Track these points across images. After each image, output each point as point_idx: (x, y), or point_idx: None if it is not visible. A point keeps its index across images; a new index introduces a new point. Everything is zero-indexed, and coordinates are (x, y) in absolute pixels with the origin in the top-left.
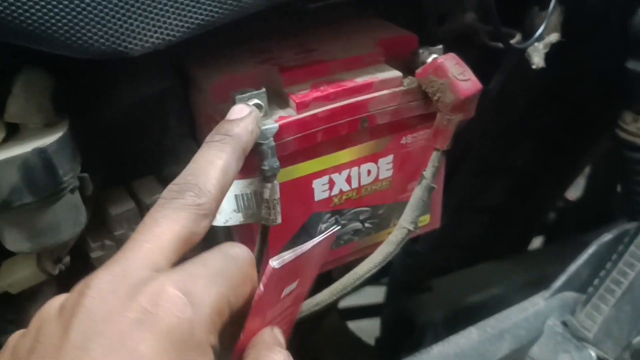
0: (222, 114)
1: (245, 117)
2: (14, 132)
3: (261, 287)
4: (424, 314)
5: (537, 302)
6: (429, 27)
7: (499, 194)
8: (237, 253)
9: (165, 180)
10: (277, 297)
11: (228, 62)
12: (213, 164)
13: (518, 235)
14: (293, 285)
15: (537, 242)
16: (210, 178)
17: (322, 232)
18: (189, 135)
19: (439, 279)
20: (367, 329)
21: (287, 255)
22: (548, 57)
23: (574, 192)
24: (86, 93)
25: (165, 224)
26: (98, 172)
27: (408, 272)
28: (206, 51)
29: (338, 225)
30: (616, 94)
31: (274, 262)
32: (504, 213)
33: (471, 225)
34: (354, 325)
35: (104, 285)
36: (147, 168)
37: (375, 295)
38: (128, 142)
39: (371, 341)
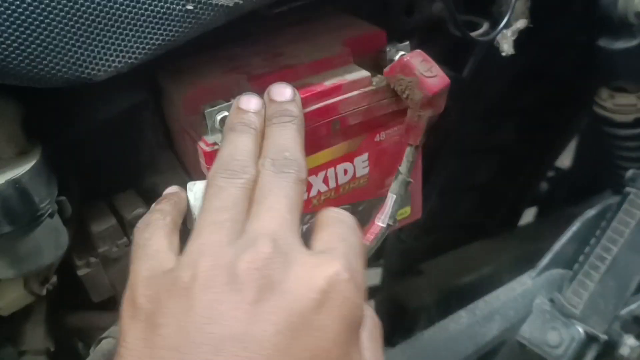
0: (194, 126)
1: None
2: None
3: (367, 243)
4: (416, 299)
5: (525, 282)
6: (396, 19)
7: (486, 173)
8: (354, 222)
9: (146, 191)
10: None
11: (197, 73)
12: (297, 142)
13: (508, 211)
14: None
15: (530, 213)
16: (302, 155)
17: (304, 234)
18: (166, 145)
19: (429, 262)
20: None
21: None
22: (518, 41)
23: (567, 159)
24: (57, 114)
25: (294, 200)
26: (76, 191)
27: (401, 258)
28: (175, 61)
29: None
30: (591, 70)
31: (381, 222)
32: (492, 191)
33: (461, 205)
34: None
35: (279, 261)
36: (127, 181)
37: (370, 278)
38: (105, 157)
39: None
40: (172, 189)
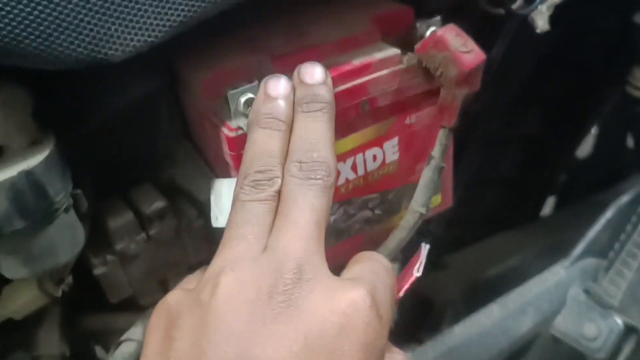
0: (215, 111)
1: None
2: None
3: (401, 294)
4: (442, 293)
5: (558, 272)
6: None
7: (511, 164)
8: (390, 266)
9: (163, 184)
10: None
11: (216, 55)
12: (327, 137)
13: (532, 202)
14: None
15: (549, 203)
16: (331, 154)
17: (332, 225)
18: (183, 135)
19: (453, 256)
20: None
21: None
22: (551, 18)
23: (582, 150)
24: (69, 102)
25: (319, 212)
26: (91, 184)
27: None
28: (192, 45)
29: (427, 244)
30: (622, 51)
31: (416, 272)
32: (516, 183)
33: (485, 197)
34: None
35: (299, 284)
36: (143, 174)
37: None
38: (120, 149)
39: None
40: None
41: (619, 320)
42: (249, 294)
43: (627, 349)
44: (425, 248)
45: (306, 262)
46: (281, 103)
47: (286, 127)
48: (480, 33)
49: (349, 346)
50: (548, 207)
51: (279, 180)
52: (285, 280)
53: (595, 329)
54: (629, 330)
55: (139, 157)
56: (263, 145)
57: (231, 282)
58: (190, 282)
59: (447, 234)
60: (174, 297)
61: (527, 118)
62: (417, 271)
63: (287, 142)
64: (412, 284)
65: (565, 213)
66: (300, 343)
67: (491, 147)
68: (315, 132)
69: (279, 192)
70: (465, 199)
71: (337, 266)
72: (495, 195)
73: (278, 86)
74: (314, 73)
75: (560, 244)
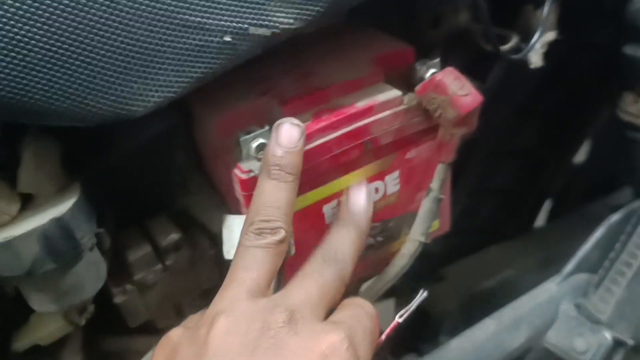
0: (228, 149)
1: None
2: (28, 201)
3: (383, 337)
4: (439, 305)
5: (550, 288)
6: (423, 31)
7: (507, 176)
8: (373, 312)
9: (177, 214)
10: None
11: (228, 96)
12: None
13: (529, 211)
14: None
15: (544, 208)
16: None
17: None
18: (197, 168)
19: (450, 268)
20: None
21: (406, 312)
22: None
23: (580, 155)
24: (91, 145)
25: (326, 288)
26: (111, 218)
27: (421, 261)
28: (205, 84)
29: (425, 292)
30: (614, 71)
31: (399, 317)
32: (512, 194)
33: (483, 208)
34: None
35: (287, 326)
36: (159, 205)
37: None
38: (137, 182)
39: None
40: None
41: (607, 335)
42: (241, 330)
43: None
44: (421, 296)
45: (298, 311)
46: (291, 155)
47: (294, 178)
48: (478, 62)
49: None
50: (544, 211)
51: (283, 231)
52: (276, 321)
53: (585, 343)
54: (617, 344)
55: (155, 188)
56: (270, 196)
57: (226, 320)
58: (191, 321)
59: (443, 245)
60: (176, 333)
61: (522, 131)
62: (400, 317)
63: (295, 193)
64: (393, 329)
65: (559, 225)
66: None
67: (487, 160)
68: (273, 196)
69: (281, 241)
70: (462, 210)
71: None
72: (491, 207)
73: (291, 136)
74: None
75: (554, 257)
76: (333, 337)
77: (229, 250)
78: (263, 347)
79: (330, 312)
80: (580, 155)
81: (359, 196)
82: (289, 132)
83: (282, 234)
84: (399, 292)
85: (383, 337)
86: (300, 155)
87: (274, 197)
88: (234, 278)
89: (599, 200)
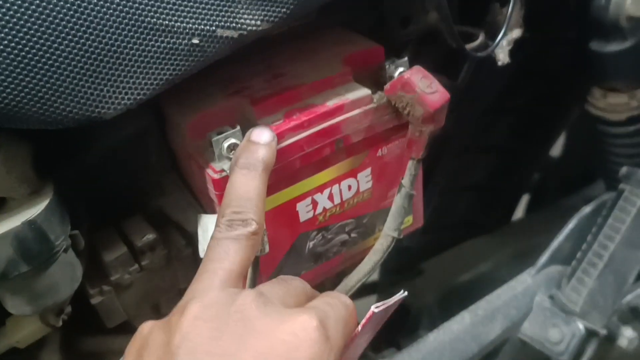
0: (200, 150)
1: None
2: (0, 204)
3: (359, 328)
4: (418, 299)
5: (525, 280)
6: (392, 32)
7: (482, 172)
8: (350, 303)
9: (152, 214)
10: (362, 340)
11: (200, 97)
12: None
13: (505, 206)
14: (368, 336)
15: (522, 201)
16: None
17: (311, 250)
18: (171, 168)
19: (428, 262)
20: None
21: (387, 303)
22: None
23: (556, 149)
24: (64, 147)
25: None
26: (85, 219)
27: (398, 256)
28: (177, 86)
29: (404, 292)
30: (583, 66)
31: (375, 307)
32: (489, 189)
33: (458, 205)
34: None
35: (257, 310)
36: (134, 206)
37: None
38: (111, 184)
39: None
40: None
41: (580, 325)
42: (210, 313)
43: (589, 351)
44: (400, 296)
45: (268, 291)
46: (262, 149)
47: (264, 167)
48: (448, 59)
49: (298, 356)
50: (521, 205)
51: (254, 223)
52: (244, 302)
53: (559, 334)
54: (590, 334)
55: (130, 189)
56: (241, 188)
57: (196, 307)
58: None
59: (421, 240)
60: (147, 325)
61: (496, 127)
62: (376, 307)
63: (265, 185)
64: (370, 319)
65: (534, 219)
66: (252, 358)
67: (463, 156)
68: (243, 188)
69: (253, 233)
70: (439, 206)
71: (316, 287)
72: (468, 202)
73: (261, 135)
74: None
75: (530, 250)
76: (303, 317)
77: (204, 249)
78: (231, 329)
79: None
80: (556, 150)
81: (261, 131)
82: (260, 131)
83: (253, 225)
84: (380, 289)
85: (359, 327)
86: (270, 150)
87: (244, 188)
88: (206, 269)
89: (574, 194)
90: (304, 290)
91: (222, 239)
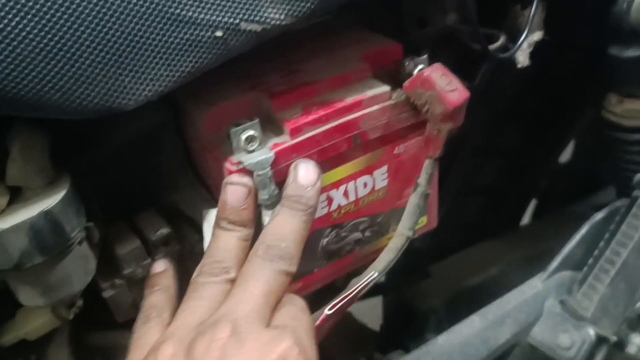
0: (217, 144)
1: (316, 184)
2: (16, 194)
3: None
4: (425, 301)
5: (535, 285)
6: (410, 32)
7: (492, 175)
8: (304, 305)
9: (166, 210)
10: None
11: (217, 91)
12: (299, 234)
13: (514, 210)
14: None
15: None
16: (298, 248)
17: (324, 247)
18: (186, 163)
19: (436, 264)
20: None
21: (337, 302)
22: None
23: (564, 155)
24: (80, 137)
25: (270, 287)
26: (100, 212)
27: (407, 259)
28: (194, 80)
29: (375, 272)
30: (597, 72)
31: (328, 310)
32: (498, 193)
33: (468, 207)
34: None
35: (233, 338)
36: (148, 200)
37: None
38: (126, 178)
39: (375, 325)
40: (159, 267)
41: (591, 331)
42: (183, 350)
43: (599, 357)
44: (352, 288)
45: (243, 321)
46: (242, 212)
47: (245, 228)
48: (465, 61)
49: None
50: (529, 210)
51: (233, 272)
52: (220, 337)
53: (569, 339)
54: (600, 340)
55: (144, 184)
56: (223, 242)
57: (171, 345)
58: None
59: (430, 243)
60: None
61: (508, 130)
62: (329, 309)
63: (246, 240)
64: (324, 320)
65: (544, 223)
66: None
67: (474, 159)
68: (291, 228)
69: (231, 281)
70: (448, 208)
71: (328, 286)
72: (477, 205)
73: (235, 196)
74: (302, 175)
75: (539, 255)
76: (282, 346)
77: (208, 241)
78: None
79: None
80: (565, 155)
81: (308, 170)
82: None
83: (232, 274)
84: (386, 290)
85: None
86: (250, 208)
87: (226, 242)
88: (186, 307)
89: (583, 200)
90: (274, 288)
91: (202, 282)
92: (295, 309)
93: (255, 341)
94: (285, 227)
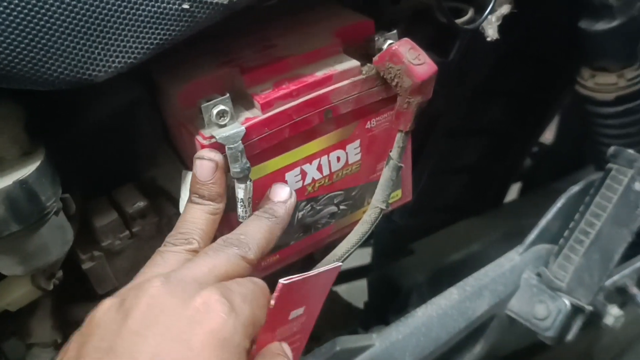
0: (190, 119)
1: (288, 200)
2: None
3: (272, 302)
4: (408, 278)
5: (513, 258)
6: (383, 8)
7: (474, 154)
8: (261, 282)
9: (144, 184)
10: (285, 316)
11: (190, 67)
12: (261, 232)
13: (496, 190)
14: (300, 311)
15: (514, 188)
16: (258, 241)
17: (300, 220)
18: (163, 138)
19: (419, 242)
20: (356, 293)
21: (295, 277)
22: (502, 25)
23: (548, 134)
24: (57, 113)
25: (219, 262)
26: (78, 186)
27: (391, 238)
28: (168, 56)
29: (340, 262)
30: (573, 48)
31: (283, 280)
32: (480, 171)
33: (450, 186)
34: (343, 289)
35: (163, 288)
36: (126, 175)
37: (362, 257)
38: (104, 153)
39: (360, 305)
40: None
41: (566, 301)
42: (117, 302)
43: (575, 327)
44: (312, 271)
45: (178, 278)
46: (210, 186)
47: (214, 202)
48: (440, 37)
49: (200, 334)
50: (514, 191)
51: (195, 242)
52: (151, 286)
53: (546, 310)
54: (576, 310)
55: (122, 159)
56: (190, 215)
57: (108, 300)
58: None
59: (412, 222)
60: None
61: (487, 110)
62: (285, 280)
63: (214, 213)
64: (281, 292)
65: (525, 200)
66: (159, 335)
67: (454, 138)
68: (253, 227)
69: (191, 251)
70: (430, 188)
71: (306, 259)
72: (459, 184)
73: (204, 170)
74: (277, 193)
75: (520, 231)
76: (205, 293)
77: (184, 204)
78: (139, 311)
79: None
80: (547, 137)
81: (280, 189)
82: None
83: (193, 244)
84: (371, 271)
85: (273, 302)
86: (220, 185)
87: (193, 215)
88: (142, 273)
89: (565, 178)
90: (224, 265)
91: (164, 251)
92: (246, 280)
93: (182, 292)
94: (247, 227)
